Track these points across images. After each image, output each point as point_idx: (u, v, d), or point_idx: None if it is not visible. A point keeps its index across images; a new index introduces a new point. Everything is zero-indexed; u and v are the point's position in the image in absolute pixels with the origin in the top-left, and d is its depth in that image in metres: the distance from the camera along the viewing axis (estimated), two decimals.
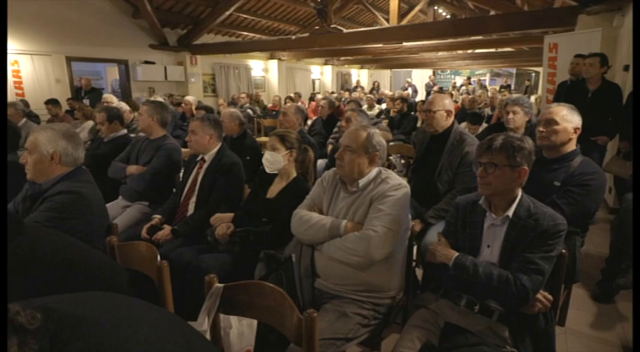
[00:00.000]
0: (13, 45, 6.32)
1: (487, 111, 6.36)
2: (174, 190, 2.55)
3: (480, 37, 7.67)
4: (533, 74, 15.21)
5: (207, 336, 1.21)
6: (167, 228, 2.09)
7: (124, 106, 4.76)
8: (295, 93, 8.44)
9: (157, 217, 2.20)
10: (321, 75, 13.90)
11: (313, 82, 13.60)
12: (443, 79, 17.23)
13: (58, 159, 1.56)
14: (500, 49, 10.35)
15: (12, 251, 0.94)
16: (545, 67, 4.86)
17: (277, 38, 9.26)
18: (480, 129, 4.12)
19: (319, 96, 8.84)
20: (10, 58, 6.36)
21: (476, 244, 1.41)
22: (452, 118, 2.16)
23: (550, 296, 1.29)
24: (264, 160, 1.94)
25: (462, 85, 14.79)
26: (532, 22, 5.25)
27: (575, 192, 1.73)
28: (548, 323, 1.31)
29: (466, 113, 5.46)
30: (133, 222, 2.41)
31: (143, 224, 2.22)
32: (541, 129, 1.84)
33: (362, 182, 1.55)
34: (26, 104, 5.82)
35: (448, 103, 2.15)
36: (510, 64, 14.35)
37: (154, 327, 0.73)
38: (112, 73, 9.23)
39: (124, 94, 8.20)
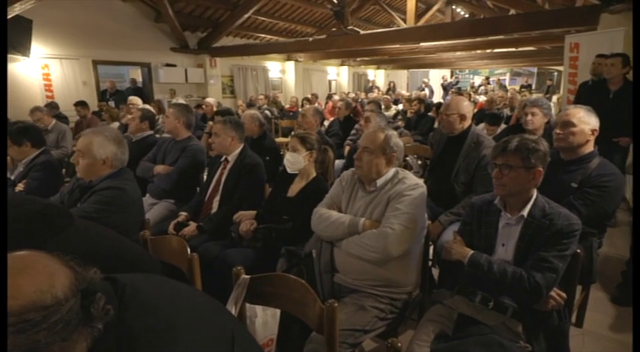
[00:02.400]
0: (43, 49, 6.63)
1: (506, 111, 6.28)
2: (198, 189, 2.67)
3: (499, 37, 7.58)
4: (555, 73, 14.86)
5: None
6: (193, 225, 2.20)
7: (150, 109, 4.94)
8: (312, 95, 8.52)
9: (183, 214, 2.31)
10: (338, 75, 13.96)
11: (329, 82, 13.67)
12: (461, 79, 17.01)
13: (110, 163, 1.70)
14: (520, 48, 10.17)
15: (65, 241, 1.05)
16: (566, 67, 4.79)
17: (294, 40, 9.37)
18: (499, 130, 4.10)
19: (336, 97, 8.90)
20: (40, 62, 6.68)
21: (491, 243, 1.45)
22: (467, 122, 2.19)
23: (564, 294, 1.32)
24: (285, 161, 2.02)
25: (480, 85, 14.57)
26: (553, 21, 5.17)
27: (592, 193, 1.75)
28: (562, 320, 1.35)
29: (484, 114, 5.42)
30: (160, 218, 2.54)
31: (169, 220, 2.35)
32: (558, 131, 1.86)
33: (380, 182, 1.61)
34: (56, 106, 6.11)
35: (463, 107, 2.17)
36: (531, 63, 14.06)
37: (198, 307, 0.82)
38: (135, 76, 9.52)
39: (146, 96, 8.44)
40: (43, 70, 6.75)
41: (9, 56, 6.06)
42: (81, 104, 5.69)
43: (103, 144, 1.68)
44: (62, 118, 5.81)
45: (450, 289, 1.52)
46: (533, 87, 15.16)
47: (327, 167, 2.19)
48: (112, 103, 7.66)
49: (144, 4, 7.85)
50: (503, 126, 4.39)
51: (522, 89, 13.44)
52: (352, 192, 1.69)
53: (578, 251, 1.41)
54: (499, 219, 1.46)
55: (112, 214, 1.61)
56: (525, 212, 1.39)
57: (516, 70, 16.68)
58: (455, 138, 2.27)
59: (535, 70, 16.25)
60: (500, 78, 16.10)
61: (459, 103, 2.17)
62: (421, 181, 1.62)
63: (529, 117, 2.77)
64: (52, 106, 5.99)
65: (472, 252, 1.42)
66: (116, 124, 4.92)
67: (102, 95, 7.82)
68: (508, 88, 13.69)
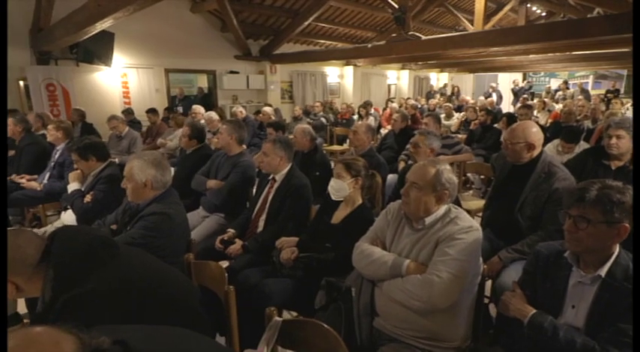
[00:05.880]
0: (123, 59, 7.30)
1: (587, 124, 5.59)
2: (247, 203, 2.71)
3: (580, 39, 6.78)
4: None
5: None
6: (238, 243, 2.23)
7: (214, 116, 5.19)
8: (365, 102, 8.37)
9: (230, 231, 2.36)
10: (398, 80, 13.58)
11: (389, 87, 13.35)
12: (535, 82, 15.58)
13: (151, 185, 1.78)
14: (605, 51, 9.04)
15: (106, 276, 1.09)
16: None
17: (353, 46, 9.27)
18: (577, 149, 3.61)
19: (394, 105, 8.64)
20: (120, 72, 7.35)
21: (558, 302, 1.25)
22: (537, 150, 1.93)
23: None
24: (329, 188, 1.96)
25: (557, 90, 13.22)
26: None
27: None
28: None
29: (560, 127, 4.87)
30: (210, 231, 2.62)
31: (218, 235, 2.40)
32: None
33: (428, 220, 1.47)
34: (131, 112, 6.69)
35: (532, 134, 1.91)
36: (619, 66, 12.43)
37: None
38: (202, 82, 10.09)
39: (211, 103, 8.90)
40: (122, 79, 7.43)
41: (94, 66, 6.75)
42: (151, 111, 6.17)
43: (142, 167, 1.76)
44: (135, 123, 6.35)
45: (505, 348, 1.34)
46: (622, 91, 13.42)
47: (375, 192, 2.09)
48: (180, 108, 8.21)
49: (211, 15, 8.29)
50: (582, 143, 3.86)
51: (608, 94, 11.97)
52: (398, 227, 1.57)
53: None
54: (570, 275, 1.25)
55: (157, 239, 1.68)
56: (603, 271, 1.18)
57: (601, 72, 14.86)
58: (521, 166, 2.03)
59: (624, 71, 14.33)
60: (582, 81, 14.38)
61: (527, 130, 1.92)
62: (476, 223, 1.45)
63: (613, 140, 2.40)
64: (128, 112, 6.58)
65: (534, 311, 1.24)
66: (181, 131, 5.22)
67: (172, 100, 8.41)
68: (591, 93, 12.28)
